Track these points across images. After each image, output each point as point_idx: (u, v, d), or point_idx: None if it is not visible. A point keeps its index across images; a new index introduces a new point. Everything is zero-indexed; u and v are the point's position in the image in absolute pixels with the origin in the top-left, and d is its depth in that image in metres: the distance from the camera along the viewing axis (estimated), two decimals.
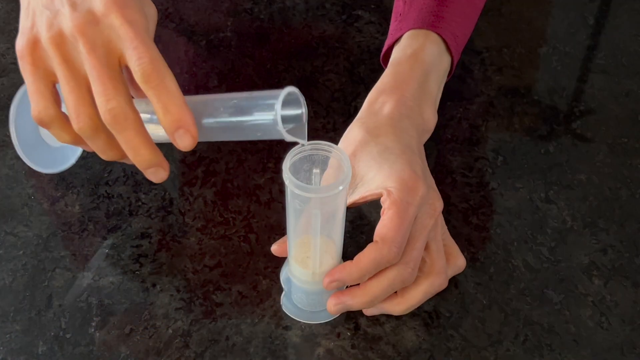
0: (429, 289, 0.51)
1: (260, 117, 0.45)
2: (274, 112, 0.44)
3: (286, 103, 0.45)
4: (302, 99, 0.46)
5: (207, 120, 0.47)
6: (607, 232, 0.59)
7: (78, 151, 0.62)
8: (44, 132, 0.57)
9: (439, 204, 0.51)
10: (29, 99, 0.47)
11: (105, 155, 0.48)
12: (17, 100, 0.55)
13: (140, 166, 0.47)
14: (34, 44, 0.46)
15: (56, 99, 0.47)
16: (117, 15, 0.44)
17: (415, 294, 0.51)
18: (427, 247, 0.51)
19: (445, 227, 0.54)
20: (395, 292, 0.51)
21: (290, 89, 0.45)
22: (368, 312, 0.53)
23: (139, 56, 0.43)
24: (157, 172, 0.47)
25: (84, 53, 0.44)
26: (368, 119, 0.55)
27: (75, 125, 0.45)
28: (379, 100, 0.57)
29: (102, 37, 0.44)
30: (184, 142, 0.45)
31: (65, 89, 0.45)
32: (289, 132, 0.44)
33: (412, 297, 0.51)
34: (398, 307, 0.51)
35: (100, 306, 0.54)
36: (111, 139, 0.46)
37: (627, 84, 0.73)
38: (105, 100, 0.43)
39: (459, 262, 0.54)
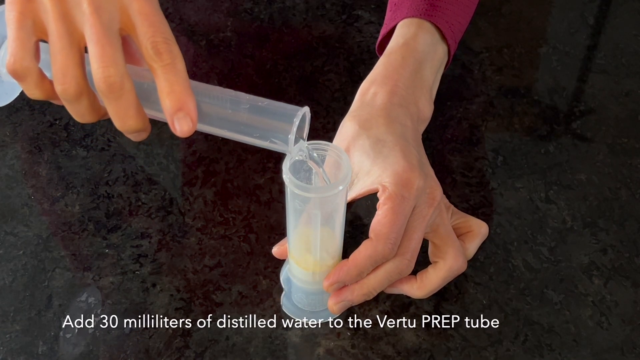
0: (447, 273, 0.51)
1: (269, 140, 0.44)
2: (287, 141, 0.43)
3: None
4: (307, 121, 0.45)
5: (208, 113, 0.45)
6: (607, 232, 0.59)
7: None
8: None
9: (438, 192, 0.51)
10: (6, 48, 0.44)
11: (81, 118, 0.46)
12: None
13: (122, 131, 0.45)
14: None
15: (37, 53, 0.45)
16: None
17: (434, 280, 0.51)
18: (437, 233, 0.51)
19: (453, 207, 0.54)
20: (415, 276, 0.52)
21: (302, 114, 0.44)
22: (388, 290, 0.53)
23: (154, 33, 0.42)
24: (139, 136, 0.46)
25: (87, 14, 0.42)
26: (360, 111, 0.55)
27: (59, 86, 0.43)
28: (370, 91, 0.56)
29: (111, 2, 0.43)
30: (183, 126, 0.44)
31: (55, 46, 0.43)
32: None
33: (432, 283, 0.51)
34: (418, 291, 0.52)
35: (100, 306, 0.54)
36: (93, 104, 0.45)
37: (627, 84, 0.73)
38: (103, 66, 0.42)
39: (483, 230, 0.55)
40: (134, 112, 0.44)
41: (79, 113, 0.46)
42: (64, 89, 0.43)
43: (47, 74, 0.46)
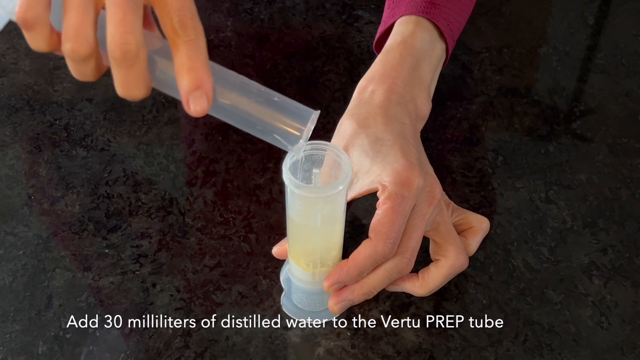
0: (449, 271, 0.51)
1: (279, 134, 0.44)
2: (298, 141, 0.43)
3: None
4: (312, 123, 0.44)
5: (222, 98, 0.44)
6: (607, 232, 0.59)
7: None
8: None
9: (437, 190, 0.51)
10: None
11: (80, 77, 0.44)
12: None
13: (123, 96, 0.44)
14: None
15: (49, 4, 0.42)
16: None
17: (436, 277, 0.51)
18: (437, 231, 0.51)
19: (454, 204, 0.54)
20: (417, 274, 0.52)
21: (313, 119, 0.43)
22: (389, 287, 0.53)
23: (182, 6, 0.41)
24: (136, 100, 0.44)
25: None
26: (358, 109, 0.55)
27: (69, 44, 0.41)
28: (368, 89, 0.56)
29: None
30: (197, 106, 0.42)
31: (72, 3, 0.41)
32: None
33: (433, 281, 0.51)
34: (420, 289, 0.52)
35: (100, 306, 0.54)
36: (98, 65, 0.43)
37: (627, 84, 0.73)
38: (122, 32, 0.40)
39: (484, 226, 0.55)
40: (142, 82, 0.42)
41: (81, 72, 0.44)
42: (74, 49, 0.41)
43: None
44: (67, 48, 0.41)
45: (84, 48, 0.41)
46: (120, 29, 0.40)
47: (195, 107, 0.42)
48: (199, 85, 0.41)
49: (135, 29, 0.40)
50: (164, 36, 0.44)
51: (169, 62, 0.43)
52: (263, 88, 0.44)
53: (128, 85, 0.42)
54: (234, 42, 0.76)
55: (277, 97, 0.44)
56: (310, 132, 0.45)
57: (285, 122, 0.43)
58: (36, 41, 0.43)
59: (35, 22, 0.42)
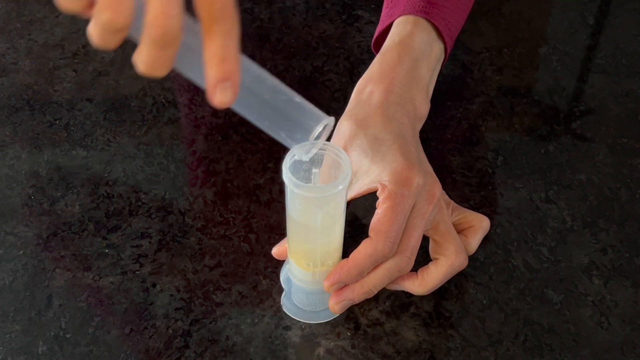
0: (448, 270, 0.51)
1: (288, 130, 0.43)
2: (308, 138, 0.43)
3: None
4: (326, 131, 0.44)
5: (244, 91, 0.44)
6: (607, 232, 0.59)
7: None
8: None
9: (437, 189, 0.51)
10: None
11: (104, 45, 0.41)
12: None
13: (143, 72, 0.41)
14: None
15: None
16: None
17: (435, 276, 0.51)
18: (437, 230, 0.51)
19: (454, 203, 0.54)
20: (416, 272, 0.52)
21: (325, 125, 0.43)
22: (389, 286, 0.53)
23: None
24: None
25: None
26: (357, 110, 0.55)
27: (106, 13, 0.38)
28: (366, 90, 0.56)
29: None
30: (224, 97, 0.40)
31: None
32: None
33: (432, 280, 0.51)
34: (419, 288, 0.52)
35: (100, 306, 0.54)
36: (124, 39, 0.40)
37: (627, 84, 0.73)
38: (164, 13, 0.38)
39: (484, 224, 0.55)
40: (169, 64, 0.40)
41: (107, 41, 0.40)
42: (112, 19, 0.38)
43: None
44: (105, 17, 0.39)
45: (122, 20, 0.38)
46: (164, 10, 0.38)
47: (222, 98, 0.40)
48: (228, 77, 0.40)
49: (179, 11, 0.39)
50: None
51: (197, 45, 0.41)
52: (283, 86, 0.44)
53: (155, 65, 0.40)
54: None
55: (297, 97, 0.43)
56: (321, 136, 0.44)
57: (295, 121, 0.43)
58: (68, 1, 0.40)
59: None
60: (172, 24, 0.39)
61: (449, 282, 0.53)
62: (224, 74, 0.40)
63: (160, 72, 0.41)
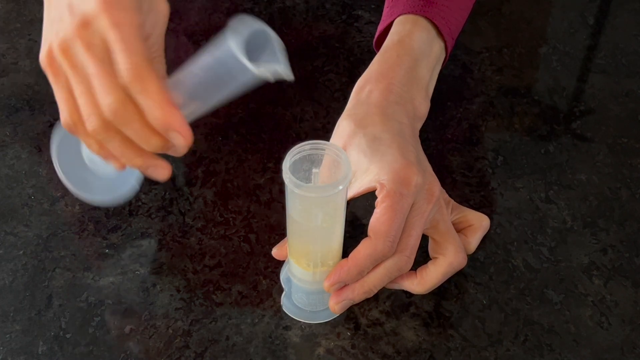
0: (447, 269, 0.51)
1: (219, 52, 0.44)
2: (228, 41, 0.42)
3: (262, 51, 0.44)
4: (271, 34, 0.44)
5: (189, 90, 0.46)
6: (607, 232, 0.59)
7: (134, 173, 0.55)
8: (90, 162, 0.54)
9: (436, 188, 0.51)
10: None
11: (131, 162, 0.47)
12: (57, 141, 0.53)
13: (157, 151, 0.47)
14: (50, 53, 0.46)
15: None
16: (104, 17, 0.43)
17: (434, 275, 0.51)
18: (436, 229, 0.51)
19: (453, 202, 0.55)
20: (415, 272, 0.52)
21: (251, 25, 0.43)
22: (388, 285, 0.53)
23: (122, 61, 0.43)
24: (179, 147, 0.47)
25: (82, 54, 0.44)
26: (356, 109, 0.55)
27: (88, 127, 0.45)
28: (365, 89, 0.56)
29: (97, 36, 0.44)
30: (177, 142, 0.45)
31: (76, 93, 0.45)
32: (260, 66, 0.43)
33: (432, 279, 0.52)
34: (418, 287, 0.52)
35: (100, 306, 0.54)
36: (126, 137, 0.46)
37: (627, 84, 0.73)
38: (104, 96, 0.43)
39: (484, 224, 0.55)
40: (148, 130, 0.45)
41: (121, 152, 0.47)
42: (93, 129, 0.45)
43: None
44: (90, 132, 0.45)
45: (96, 124, 0.45)
46: (102, 94, 0.44)
47: (176, 144, 0.45)
48: (167, 127, 0.44)
49: (115, 87, 0.44)
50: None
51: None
52: (194, 61, 0.45)
53: (142, 138, 0.45)
54: None
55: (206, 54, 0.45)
56: (277, 41, 0.44)
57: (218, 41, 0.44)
58: (89, 143, 0.48)
59: (75, 125, 0.47)
60: (112, 100, 0.44)
61: (448, 282, 0.53)
62: (162, 127, 0.44)
63: (159, 142, 0.46)
